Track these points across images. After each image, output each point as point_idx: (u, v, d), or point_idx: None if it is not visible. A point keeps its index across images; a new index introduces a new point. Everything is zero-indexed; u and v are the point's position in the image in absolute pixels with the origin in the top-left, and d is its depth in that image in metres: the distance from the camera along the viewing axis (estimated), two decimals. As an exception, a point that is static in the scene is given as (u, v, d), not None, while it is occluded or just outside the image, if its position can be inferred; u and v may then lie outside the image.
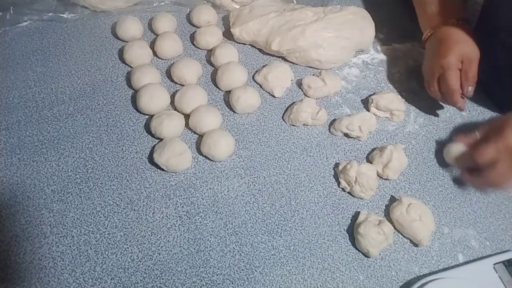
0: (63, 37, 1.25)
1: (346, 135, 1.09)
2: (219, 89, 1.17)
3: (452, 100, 1.06)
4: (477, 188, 1.01)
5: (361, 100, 1.17)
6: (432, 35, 1.12)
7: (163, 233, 0.94)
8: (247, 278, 0.89)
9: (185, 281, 0.88)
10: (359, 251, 0.93)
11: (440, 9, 1.11)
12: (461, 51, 1.05)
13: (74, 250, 0.90)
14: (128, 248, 0.91)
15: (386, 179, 1.03)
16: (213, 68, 1.21)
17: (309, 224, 0.96)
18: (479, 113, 1.15)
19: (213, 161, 1.04)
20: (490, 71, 1.08)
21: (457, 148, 1.00)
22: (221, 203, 0.98)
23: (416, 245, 0.94)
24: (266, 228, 0.95)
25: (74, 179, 1.00)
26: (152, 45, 1.22)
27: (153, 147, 1.04)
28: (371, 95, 1.14)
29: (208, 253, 0.92)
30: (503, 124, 0.92)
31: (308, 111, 1.08)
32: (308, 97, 1.15)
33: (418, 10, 1.18)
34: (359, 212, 0.97)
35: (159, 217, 0.96)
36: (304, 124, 1.10)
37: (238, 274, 0.90)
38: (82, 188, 0.98)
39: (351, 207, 0.99)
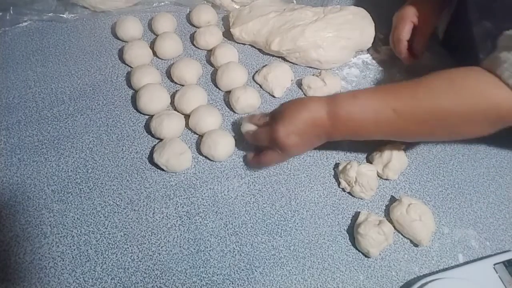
0: (63, 37, 1.25)
1: (346, 135, 1.09)
2: (219, 89, 1.17)
3: (397, 50, 1.18)
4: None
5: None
6: None
7: (163, 233, 0.94)
8: (247, 278, 0.89)
9: (185, 281, 0.88)
10: (359, 251, 0.93)
11: None
12: (418, 8, 1.16)
13: (74, 250, 0.90)
14: (128, 248, 0.91)
15: (386, 179, 1.03)
16: (213, 68, 1.21)
17: (309, 224, 0.96)
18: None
19: (213, 161, 1.04)
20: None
21: (247, 126, 1.01)
22: (221, 203, 0.98)
23: (416, 245, 0.94)
24: (266, 228, 0.95)
25: (74, 179, 1.00)
26: (152, 45, 1.22)
27: (153, 147, 1.04)
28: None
29: (208, 253, 0.92)
30: (276, 115, 0.96)
31: None
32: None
33: None
34: (359, 212, 0.97)
35: (159, 217, 0.96)
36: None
37: (238, 274, 0.90)
38: (82, 188, 0.98)
39: (351, 207, 0.99)
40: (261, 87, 1.18)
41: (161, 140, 1.05)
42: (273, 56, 1.24)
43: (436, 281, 0.86)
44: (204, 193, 0.99)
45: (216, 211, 0.97)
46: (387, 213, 0.98)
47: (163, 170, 1.01)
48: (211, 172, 1.03)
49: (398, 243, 0.95)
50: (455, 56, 1.20)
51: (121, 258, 0.90)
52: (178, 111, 1.10)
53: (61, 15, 1.28)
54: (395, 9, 1.32)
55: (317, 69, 1.22)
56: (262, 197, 1.00)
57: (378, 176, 1.02)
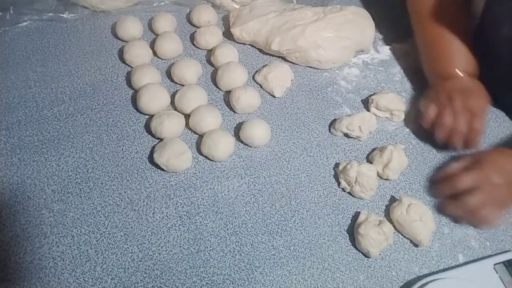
0: (63, 37, 1.25)
1: (346, 135, 1.09)
2: (219, 89, 1.17)
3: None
4: (457, 218, 0.98)
5: (361, 100, 1.17)
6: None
7: (163, 233, 0.94)
8: (247, 278, 0.89)
9: (185, 281, 0.88)
10: (359, 251, 0.93)
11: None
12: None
13: (74, 250, 0.90)
14: (128, 248, 0.91)
15: (386, 179, 1.03)
16: (213, 68, 1.21)
17: (309, 224, 0.96)
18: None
19: (213, 161, 1.04)
20: (495, 72, 1.09)
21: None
22: (221, 203, 0.98)
23: (416, 245, 0.94)
24: (266, 228, 0.95)
25: (74, 179, 1.00)
26: (152, 45, 1.22)
27: (153, 147, 1.04)
28: (371, 95, 1.14)
29: (208, 253, 0.92)
30: (481, 157, 0.98)
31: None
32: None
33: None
34: (359, 212, 0.97)
35: (159, 217, 0.96)
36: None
37: (238, 274, 0.90)
38: (82, 188, 0.98)
39: (351, 207, 0.99)
40: (261, 87, 1.18)
41: (161, 140, 1.05)
42: (273, 56, 1.24)
43: (436, 281, 0.86)
44: (204, 193, 0.99)
45: (216, 211, 0.97)
46: (387, 213, 0.98)
47: (163, 170, 1.01)
48: (211, 172, 1.03)
49: (398, 243, 0.95)
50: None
51: (121, 258, 0.90)
52: (178, 111, 1.10)
53: (61, 15, 1.28)
54: (395, 9, 1.33)
55: (317, 69, 1.22)
56: (262, 197, 1.00)
57: (378, 176, 1.02)
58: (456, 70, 1.08)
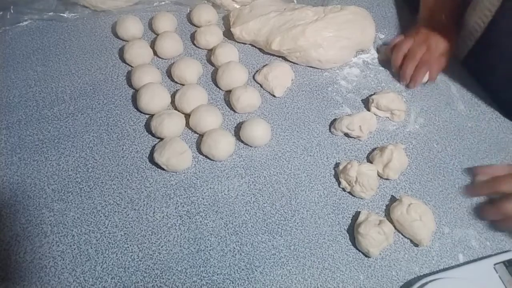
0: (63, 36, 1.25)
1: (346, 135, 1.09)
2: (220, 88, 1.17)
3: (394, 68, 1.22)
4: (494, 223, 0.98)
5: (362, 100, 1.17)
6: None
7: (164, 233, 0.94)
8: (248, 278, 0.89)
9: (186, 281, 0.88)
10: (359, 251, 0.93)
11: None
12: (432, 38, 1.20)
13: (74, 249, 0.90)
14: (128, 247, 0.91)
15: (387, 179, 1.03)
16: (213, 68, 1.21)
17: (310, 224, 0.96)
18: (480, 113, 1.15)
19: (213, 160, 1.04)
20: (504, 74, 1.13)
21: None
22: (222, 202, 0.98)
23: (416, 245, 0.94)
24: (267, 228, 0.95)
25: (75, 179, 1.00)
26: (152, 45, 1.22)
27: (154, 146, 1.04)
28: (371, 94, 1.14)
29: (209, 252, 0.92)
30: None
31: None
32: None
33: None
34: (359, 212, 0.97)
35: (159, 216, 0.96)
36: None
37: (239, 273, 0.90)
38: (83, 187, 0.99)
39: (352, 207, 0.99)
40: (261, 86, 1.18)
41: (161, 139, 1.05)
42: (273, 55, 1.24)
43: (436, 281, 0.87)
44: (204, 193, 0.99)
45: (216, 211, 0.97)
46: (388, 213, 0.98)
47: (163, 169, 1.01)
48: (212, 172, 1.03)
49: (398, 243, 0.95)
50: (477, 76, 1.21)
51: (121, 257, 0.90)
52: (178, 111, 1.10)
53: (61, 14, 1.28)
54: (396, 8, 1.33)
55: (318, 68, 1.22)
56: (263, 196, 1.00)
57: (379, 175, 1.02)
58: (435, 13, 1.23)
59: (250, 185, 1.01)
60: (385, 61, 1.24)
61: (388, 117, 1.13)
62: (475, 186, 1.02)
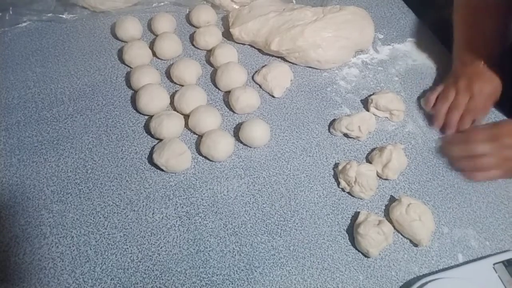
0: (62, 37, 1.25)
1: (345, 135, 1.09)
2: (219, 89, 1.17)
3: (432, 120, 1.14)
4: (464, 173, 1.05)
5: (361, 100, 1.17)
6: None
7: (163, 234, 0.94)
8: (247, 279, 0.89)
9: (185, 282, 0.88)
10: (358, 251, 0.93)
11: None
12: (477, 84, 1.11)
13: (73, 250, 0.90)
14: (127, 248, 0.91)
15: (386, 179, 1.03)
16: (212, 69, 1.21)
17: (309, 224, 0.96)
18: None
19: (212, 161, 1.04)
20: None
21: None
22: (221, 203, 0.98)
23: (415, 245, 0.94)
24: (266, 228, 0.95)
25: (74, 180, 1.00)
26: (151, 46, 1.22)
27: (153, 147, 1.04)
28: (370, 95, 1.14)
29: (208, 253, 0.92)
30: (498, 131, 1.03)
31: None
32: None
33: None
34: (358, 212, 0.97)
35: (158, 217, 0.96)
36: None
37: (238, 274, 0.90)
38: (82, 188, 0.98)
39: (351, 207, 0.99)
40: (260, 87, 1.18)
41: (160, 140, 1.05)
42: (272, 56, 1.24)
43: (436, 281, 0.87)
44: (204, 194, 0.99)
45: (216, 212, 0.97)
46: (387, 213, 0.98)
47: (162, 170, 1.01)
48: (211, 173, 1.03)
49: (398, 243, 0.95)
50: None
51: (121, 258, 0.90)
52: (177, 111, 1.10)
53: (60, 15, 1.28)
54: (395, 9, 1.33)
55: (317, 69, 1.22)
56: (262, 197, 1.00)
57: (378, 176, 1.02)
58: (474, 57, 1.13)
59: (250, 185, 1.01)
60: (385, 61, 1.25)
61: (387, 117, 1.13)
62: (450, 151, 1.08)
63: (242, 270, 0.90)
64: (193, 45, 1.26)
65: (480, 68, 1.12)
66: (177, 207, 0.97)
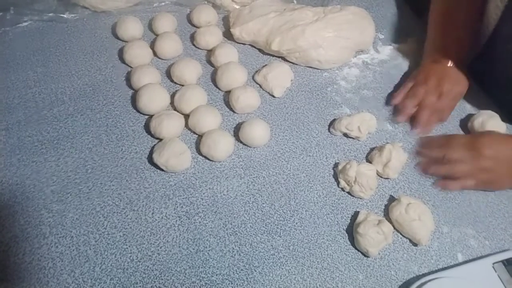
0: (63, 37, 1.25)
1: (345, 135, 1.09)
2: (219, 89, 1.17)
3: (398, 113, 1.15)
4: (438, 182, 1.04)
5: (361, 100, 1.17)
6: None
7: (163, 233, 0.94)
8: (247, 278, 0.89)
9: (185, 281, 0.88)
10: (358, 250, 0.93)
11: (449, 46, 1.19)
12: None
13: (73, 250, 0.90)
14: (127, 248, 0.91)
15: (386, 178, 1.03)
16: (213, 68, 1.21)
17: (309, 224, 0.96)
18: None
19: (212, 161, 1.04)
20: (504, 80, 1.14)
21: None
22: (221, 203, 0.98)
23: (415, 244, 0.94)
24: (266, 228, 0.95)
25: (74, 180, 1.00)
26: (152, 45, 1.22)
27: (153, 147, 1.04)
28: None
29: (208, 253, 0.92)
30: (477, 141, 1.03)
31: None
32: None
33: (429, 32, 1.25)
34: (358, 211, 0.97)
35: (158, 217, 0.96)
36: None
37: (238, 274, 0.90)
38: (82, 188, 0.99)
39: (351, 207, 0.99)
40: (261, 87, 1.18)
41: (160, 140, 1.05)
42: (273, 56, 1.24)
43: (435, 281, 0.86)
44: (204, 193, 0.99)
45: (216, 211, 0.97)
46: (386, 213, 0.98)
47: (162, 170, 1.01)
48: (211, 172, 1.03)
49: (397, 243, 0.95)
50: (478, 78, 1.21)
51: (120, 258, 0.90)
52: (177, 111, 1.10)
53: (61, 15, 1.28)
54: (395, 9, 1.33)
55: (317, 69, 1.22)
56: (262, 197, 1.00)
57: (378, 175, 1.02)
58: (445, 56, 1.16)
59: (249, 185, 1.01)
60: (385, 61, 1.25)
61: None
62: (425, 156, 1.07)
63: (242, 269, 0.90)
64: (193, 45, 1.26)
65: (450, 68, 1.15)
66: (177, 207, 0.97)
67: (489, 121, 1.08)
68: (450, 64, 1.15)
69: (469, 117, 1.14)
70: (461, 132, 1.14)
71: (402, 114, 1.13)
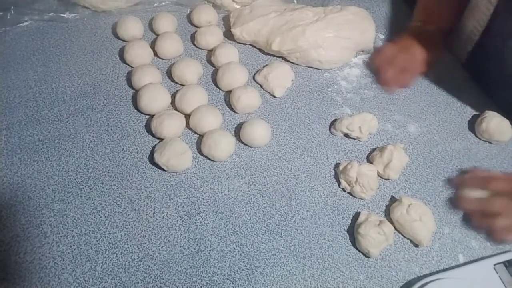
0: (63, 37, 1.25)
1: (346, 135, 1.09)
2: (220, 89, 1.17)
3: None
4: (486, 234, 0.98)
5: (362, 100, 1.17)
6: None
7: (164, 233, 0.94)
8: (247, 278, 0.89)
9: (186, 281, 0.88)
10: (359, 251, 0.93)
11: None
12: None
13: (74, 249, 0.90)
14: (128, 248, 0.91)
15: (387, 179, 1.03)
16: (213, 68, 1.21)
17: (310, 224, 0.96)
18: (480, 113, 1.15)
19: (213, 161, 1.04)
20: (500, 77, 1.14)
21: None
22: (222, 203, 0.98)
23: (416, 245, 0.94)
24: (267, 228, 0.95)
25: (75, 179, 1.00)
26: (152, 45, 1.22)
27: (154, 147, 1.04)
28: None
29: (209, 253, 0.92)
30: None
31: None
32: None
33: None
34: (359, 212, 0.97)
35: (159, 217, 0.96)
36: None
37: (239, 274, 0.90)
38: (83, 187, 0.98)
39: (352, 207, 0.99)
40: (261, 87, 1.18)
41: (161, 140, 1.05)
42: (273, 56, 1.24)
43: (436, 281, 0.86)
44: (205, 193, 0.99)
45: (217, 211, 0.97)
46: (388, 213, 0.98)
47: (163, 170, 1.01)
48: (212, 172, 1.03)
49: (399, 243, 0.95)
50: (477, 77, 1.22)
51: (122, 257, 0.90)
52: (178, 111, 1.10)
53: (62, 15, 1.28)
54: (396, 9, 1.33)
55: (318, 69, 1.22)
56: (263, 197, 1.00)
57: (379, 176, 1.02)
58: (428, 20, 1.25)
59: (250, 185, 1.01)
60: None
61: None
62: (464, 206, 1.00)
63: (243, 269, 0.90)
64: (194, 44, 1.26)
65: (429, 34, 1.22)
66: (178, 207, 0.97)
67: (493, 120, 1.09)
68: (428, 31, 1.21)
69: (475, 117, 1.14)
70: (469, 132, 1.13)
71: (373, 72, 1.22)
